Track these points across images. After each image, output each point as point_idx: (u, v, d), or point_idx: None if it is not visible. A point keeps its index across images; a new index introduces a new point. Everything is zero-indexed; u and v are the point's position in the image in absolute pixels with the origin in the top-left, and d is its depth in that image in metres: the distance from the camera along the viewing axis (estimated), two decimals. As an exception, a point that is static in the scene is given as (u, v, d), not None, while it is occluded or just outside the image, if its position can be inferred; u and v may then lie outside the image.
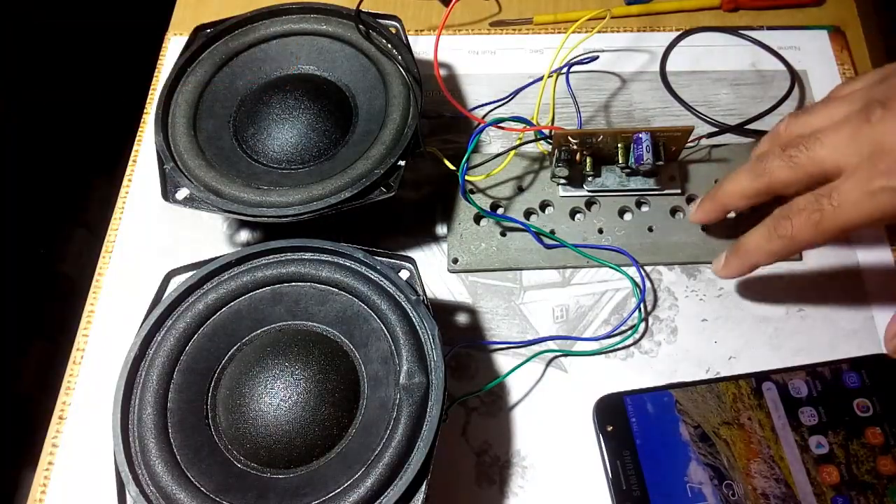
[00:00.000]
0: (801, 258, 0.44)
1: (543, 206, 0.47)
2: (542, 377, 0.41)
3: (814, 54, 0.52)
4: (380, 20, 0.46)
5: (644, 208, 0.46)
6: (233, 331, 0.37)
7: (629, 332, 0.42)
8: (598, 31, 0.50)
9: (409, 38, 0.45)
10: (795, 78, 0.51)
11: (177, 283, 0.37)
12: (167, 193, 0.40)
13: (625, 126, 0.50)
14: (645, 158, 0.43)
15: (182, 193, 0.40)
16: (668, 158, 0.45)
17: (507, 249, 0.45)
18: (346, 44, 0.46)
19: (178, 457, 0.33)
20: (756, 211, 0.40)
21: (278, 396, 0.35)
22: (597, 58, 0.50)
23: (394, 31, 0.45)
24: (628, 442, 0.38)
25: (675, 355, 0.42)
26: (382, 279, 0.37)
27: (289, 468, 0.34)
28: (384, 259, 0.38)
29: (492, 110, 0.51)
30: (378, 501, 0.31)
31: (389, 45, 0.45)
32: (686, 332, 0.43)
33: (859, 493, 0.36)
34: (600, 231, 0.45)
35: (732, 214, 0.43)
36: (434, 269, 0.45)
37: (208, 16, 0.48)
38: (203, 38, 0.46)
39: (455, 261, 0.45)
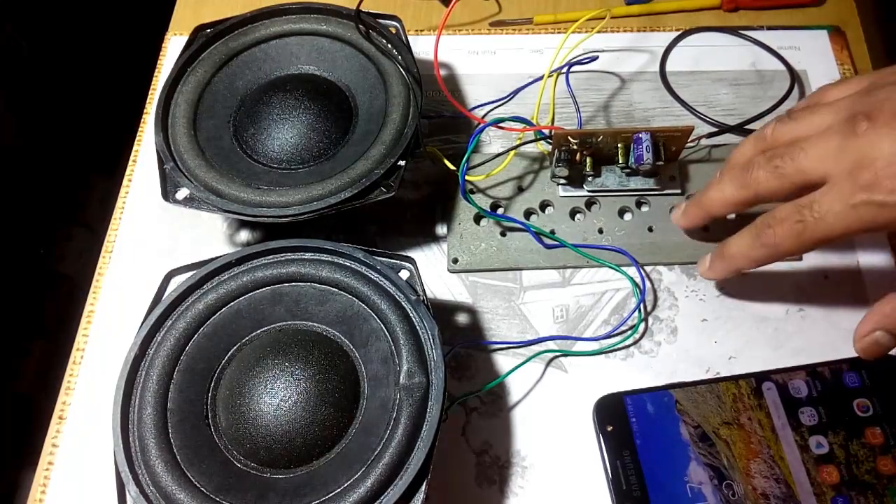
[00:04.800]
0: (801, 258, 0.44)
1: (543, 206, 0.47)
2: (542, 377, 0.41)
3: (814, 54, 0.52)
4: (380, 20, 0.46)
5: (644, 208, 0.46)
6: (233, 331, 0.37)
7: (629, 332, 0.42)
8: (598, 31, 0.50)
9: (409, 38, 0.45)
10: (795, 78, 0.51)
11: (177, 283, 0.37)
12: (167, 193, 0.40)
13: (625, 126, 0.50)
14: (645, 158, 0.43)
15: (182, 193, 0.40)
16: (669, 158, 0.45)
17: (507, 249, 0.45)
18: (346, 44, 0.46)
19: (178, 457, 0.33)
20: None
21: (278, 396, 0.35)
22: (597, 58, 0.50)
23: (394, 31, 0.45)
24: (628, 442, 0.38)
25: (675, 355, 0.42)
26: (382, 279, 0.37)
27: (289, 468, 0.34)
28: (384, 259, 0.38)
29: (492, 110, 0.51)
30: (378, 501, 0.31)
31: (389, 45, 0.45)
32: (686, 332, 0.43)
33: (859, 493, 0.36)
34: (600, 231, 0.45)
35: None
36: (434, 269, 0.45)
37: (208, 16, 0.48)
38: (203, 38, 0.46)
39: (455, 261, 0.45)
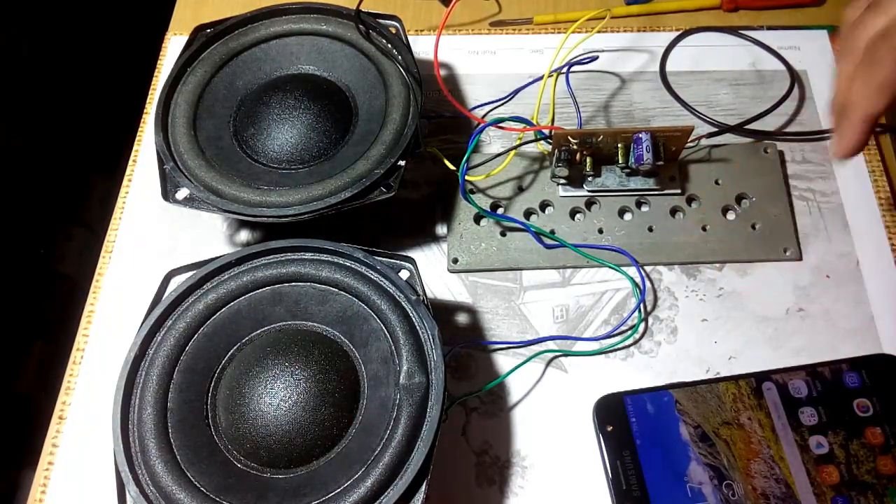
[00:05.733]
0: (801, 258, 0.44)
1: (543, 206, 0.47)
2: (542, 377, 0.41)
3: (814, 54, 0.52)
4: (380, 20, 0.46)
5: (644, 208, 0.46)
6: (233, 331, 0.37)
7: (629, 332, 0.42)
8: (598, 31, 0.50)
9: (409, 38, 0.45)
10: (795, 78, 0.51)
11: (177, 283, 0.37)
12: (167, 193, 0.40)
13: (625, 126, 0.50)
14: (645, 158, 0.43)
15: (182, 193, 0.40)
16: (668, 158, 0.45)
17: (507, 249, 0.45)
18: (346, 44, 0.46)
19: (178, 457, 0.33)
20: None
21: (278, 396, 0.35)
22: (597, 58, 0.50)
23: (394, 31, 0.45)
24: (628, 442, 0.38)
25: (675, 355, 0.42)
26: (382, 279, 0.37)
27: (289, 468, 0.34)
28: (384, 259, 0.38)
29: (492, 110, 0.51)
30: (378, 501, 0.31)
31: (389, 45, 0.45)
32: (686, 332, 0.43)
33: (859, 493, 0.36)
34: (600, 231, 0.45)
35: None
36: (434, 269, 0.45)
37: (208, 16, 0.48)
38: (203, 38, 0.46)
39: (455, 261, 0.45)
